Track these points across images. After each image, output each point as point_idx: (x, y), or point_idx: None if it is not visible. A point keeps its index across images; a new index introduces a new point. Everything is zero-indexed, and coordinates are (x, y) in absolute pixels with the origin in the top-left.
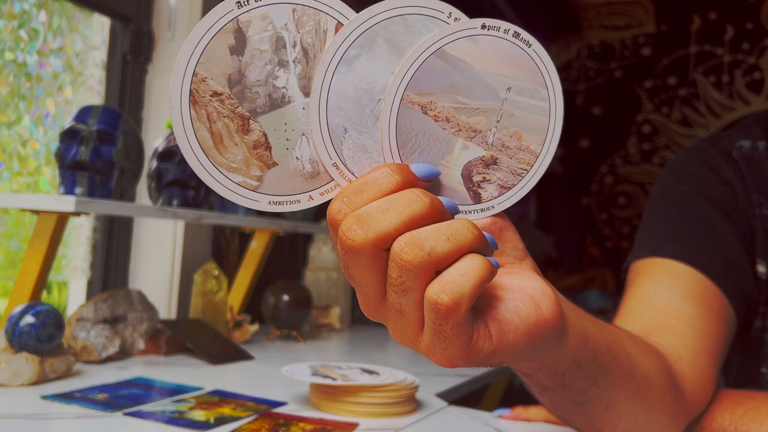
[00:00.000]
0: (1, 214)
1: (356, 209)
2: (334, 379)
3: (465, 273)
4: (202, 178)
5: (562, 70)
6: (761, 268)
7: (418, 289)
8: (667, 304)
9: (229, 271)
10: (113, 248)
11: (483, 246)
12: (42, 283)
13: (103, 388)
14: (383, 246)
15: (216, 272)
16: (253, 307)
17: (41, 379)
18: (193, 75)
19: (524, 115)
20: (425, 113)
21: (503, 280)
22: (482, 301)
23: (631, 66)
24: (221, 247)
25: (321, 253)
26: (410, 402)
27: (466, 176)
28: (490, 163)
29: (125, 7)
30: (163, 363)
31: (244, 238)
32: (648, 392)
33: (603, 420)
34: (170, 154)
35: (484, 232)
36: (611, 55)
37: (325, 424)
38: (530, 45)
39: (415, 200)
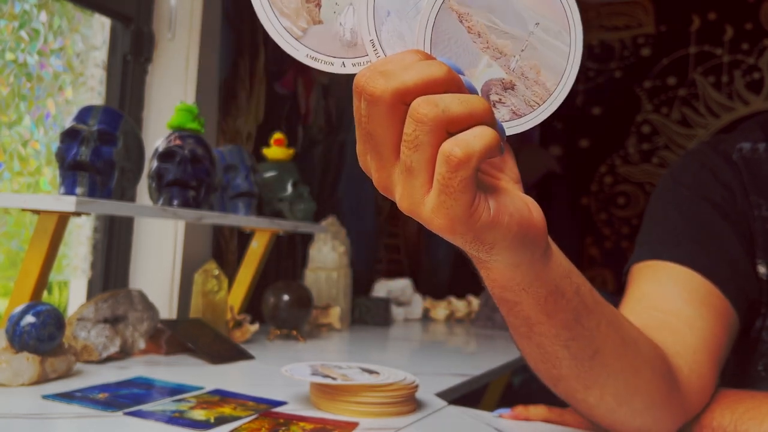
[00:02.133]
0: (1, 214)
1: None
2: (334, 378)
3: (477, 135)
4: (258, 14)
5: None
6: (762, 269)
7: (430, 144)
8: (667, 304)
9: (229, 271)
10: (114, 248)
11: (492, 120)
12: (43, 283)
13: (103, 387)
14: (403, 99)
15: (216, 272)
16: (253, 307)
17: (42, 379)
18: None
19: (546, 52)
20: (461, 22)
21: (500, 183)
22: (485, 182)
23: (631, 66)
24: (221, 247)
25: (321, 253)
26: (410, 402)
27: (485, 93)
28: (509, 87)
29: (125, 7)
30: (164, 363)
31: (244, 238)
32: (635, 355)
33: (590, 372)
34: (171, 155)
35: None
36: (611, 55)
37: (325, 423)
38: None
39: (435, 66)
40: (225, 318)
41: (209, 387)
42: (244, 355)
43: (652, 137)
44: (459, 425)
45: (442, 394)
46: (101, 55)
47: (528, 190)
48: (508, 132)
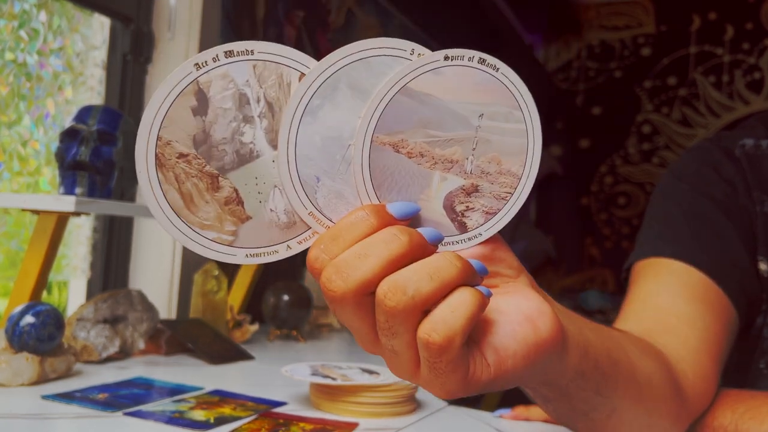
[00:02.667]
0: (1, 214)
1: (334, 256)
2: (334, 379)
3: (455, 309)
4: (175, 238)
5: (562, 70)
6: (763, 266)
7: (407, 331)
8: (668, 304)
9: (229, 271)
10: (113, 248)
11: (470, 277)
12: (42, 283)
13: (103, 388)
14: (366, 292)
15: (216, 272)
16: (253, 307)
17: (41, 379)
18: (157, 139)
19: (501, 139)
20: (398, 152)
21: (498, 302)
22: (478, 328)
23: (631, 66)
24: None
25: None
26: (410, 402)
27: (449, 207)
28: (472, 191)
29: (125, 7)
30: (163, 363)
31: None
32: (650, 396)
33: (606, 427)
34: None
35: (471, 260)
36: (611, 55)
37: (325, 424)
38: (498, 69)
39: (393, 240)
40: (225, 318)
41: (209, 387)
42: (244, 356)
43: (653, 137)
44: (459, 425)
45: None
46: (101, 54)
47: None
48: (488, 234)
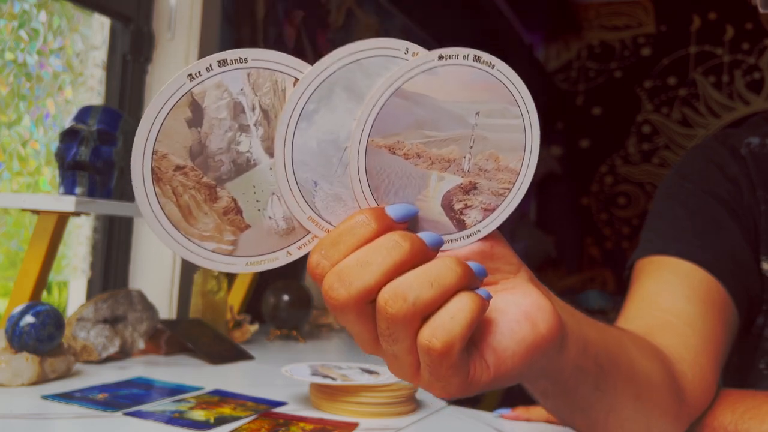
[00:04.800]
0: (1, 214)
1: (335, 262)
2: (334, 379)
3: (455, 315)
4: (174, 251)
5: (562, 70)
6: (765, 266)
7: (408, 337)
8: (669, 303)
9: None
10: (113, 248)
11: (470, 281)
12: (42, 283)
13: (103, 388)
14: (367, 300)
15: (216, 272)
16: (253, 307)
17: (41, 379)
18: (153, 153)
19: (498, 135)
20: (394, 153)
21: (497, 301)
22: (477, 329)
23: (631, 66)
24: None
25: None
26: (410, 402)
27: (447, 206)
28: (470, 189)
29: (125, 7)
30: (163, 363)
31: None
32: (649, 395)
33: (606, 425)
34: None
35: (470, 263)
36: (611, 55)
37: (325, 424)
38: (493, 66)
39: (395, 247)
40: (225, 318)
41: (209, 387)
42: (244, 356)
43: (653, 137)
44: (459, 425)
45: None
46: (101, 54)
47: (528, 191)
48: (487, 231)
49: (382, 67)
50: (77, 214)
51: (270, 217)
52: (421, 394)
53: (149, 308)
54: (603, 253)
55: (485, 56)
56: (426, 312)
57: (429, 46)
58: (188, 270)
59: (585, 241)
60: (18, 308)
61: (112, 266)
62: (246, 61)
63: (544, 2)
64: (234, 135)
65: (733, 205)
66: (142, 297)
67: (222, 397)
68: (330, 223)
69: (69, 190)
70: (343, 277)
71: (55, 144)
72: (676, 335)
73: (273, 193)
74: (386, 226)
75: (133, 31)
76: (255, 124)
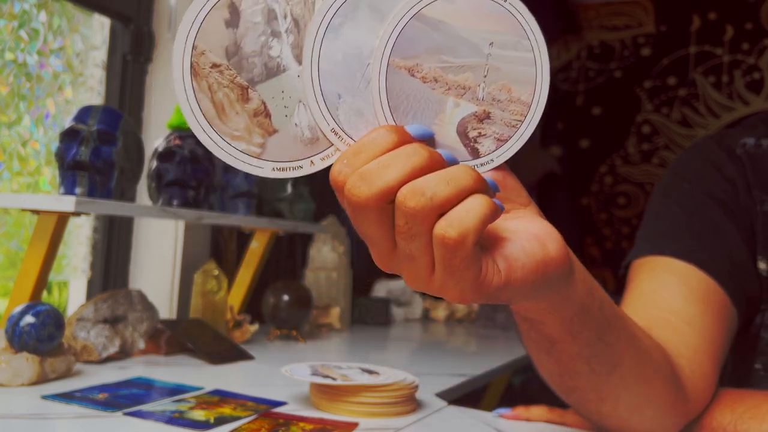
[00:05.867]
0: (1, 214)
1: (357, 169)
2: (334, 378)
3: (469, 209)
4: (208, 147)
5: (562, 70)
6: (762, 266)
7: (425, 233)
8: (667, 302)
9: (229, 271)
10: (113, 248)
11: (484, 188)
12: (42, 283)
13: (103, 387)
14: (388, 199)
15: (216, 272)
16: (253, 307)
17: (41, 379)
18: (192, 48)
19: (510, 67)
20: (413, 75)
21: (509, 224)
22: (490, 241)
23: (631, 66)
24: (221, 247)
25: (321, 253)
26: (410, 402)
27: (462, 133)
28: (484, 117)
29: (125, 7)
30: (163, 363)
31: (244, 238)
32: (650, 366)
33: (608, 385)
34: (170, 154)
35: (484, 176)
36: (611, 55)
37: (325, 423)
38: (506, 0)
39: (414, 153)
40: (225, 318)
41: (209, 387)
42: (244, 356)
43: (653, 137)
44: (459, 425)
45: (442, 394)
46: (101, 54)
47: (528, 191)
48: (501, 159)
49: None
50: (77, 214)
51: (296, 125)
52: (421, 395)
53: (149, 308)
54: (603, 253)
55: None
56: (443, 208)
57: None
58: (188, 270)
59: (585, 241)
60: (18, 308)
61: (112, 266)
62: None
63: (544, 2)
64: (267, 39)
65: (730, 205)
66: (142, 297)
67: (222, 397)
68: (351, 138)
69: (69, 190)
70: (365, 177)
71: (55, 144)
72: (675, 333)
73: (300, 101)
74: (405, 140)
75: (133, 31)
76: (286, 31)
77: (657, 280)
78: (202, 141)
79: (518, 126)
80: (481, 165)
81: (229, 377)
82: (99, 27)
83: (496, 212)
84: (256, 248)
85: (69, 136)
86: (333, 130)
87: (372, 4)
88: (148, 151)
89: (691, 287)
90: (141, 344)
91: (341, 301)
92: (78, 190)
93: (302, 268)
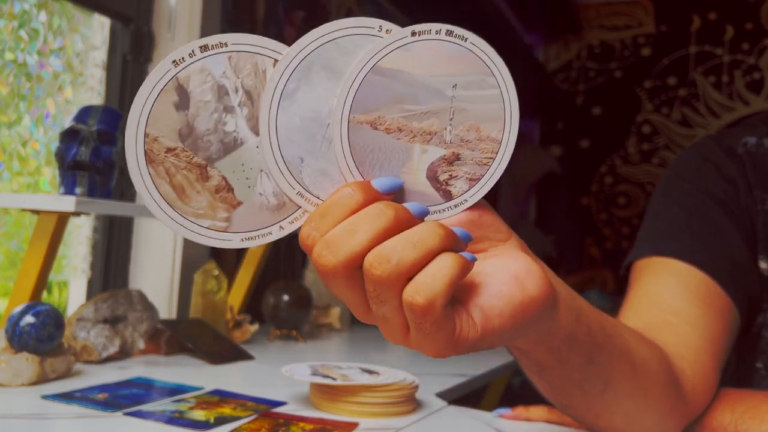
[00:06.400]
0: (1, 214)
1: (324, 233)
2: (334, 378)
3: (436, 273)
4: (172, 229)
5: (562, 70)
6: (763, 265)
7: (394, 297)
8: (669, 304)
9: (229, 271)
10: (113, 248)
11: (453, 244)
12: (42, 283)
13: (103, 387)
14: (355, 266)
15: (216, 272)
16: (253, 307)
17: (41, 379)
18: (144, 136)
19: (477, 106)
20: (375, 128)
21: (485, 265)
22: (464, 291)
23: (631, 66)
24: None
25: None
26: (410, 402)
27: (432, 177)
28: (454, 159)
29: (125, 7)
30: (163, 363)
31: None
32: (645, 378)
33: (601, 403)
34: None
35: (454, 228)
36: (611, 55)
37: (325, 423)
38: (466, 39)
39: (380, 215)
40: (225, 318)
41: (209, 387)
42: (244, 356)
43: (653, 137)
44: (459, 425)
45: (442, 395)
46: (101, 54)
47: (528, 190)
48: (474, 198)
49: (358, 45)
50: (77, 214)
51: (260, 194)
52: (421, 394)
53: (149, 308)
54: (603, 253)
55: (457, 30)
56: (410, 272)
57: None
58: (188, 270)
59: (585, 241)
60: (18, 308)
61: (112, 266)
62: (226, 45)
63: (544, 2)
64: (220, 116)
65: (730, 205)
66: (142, 297)
67: (222, 397)
68: (318, 198)
69: (69, 190)
70: (331, 244)
71: (55, 144)
72: (677, 334)
73: (261, 170)
74: (372, 197)
75: (133, 31)
76: (239, 105)
77: (659, 281)
78: (164, 223)
79: (490, 163)
80: (455, 206)
81: (229, 377)
82: (99, 27)
83: (465, 270)
84: (256, 248)
85: (69, 136)
86: (299, 194)
87: (325, 64)
88: None
89: (692, 288)
90: (141, 344)
91: (341, 301)
92: (78, 190)
93: (302, 268)
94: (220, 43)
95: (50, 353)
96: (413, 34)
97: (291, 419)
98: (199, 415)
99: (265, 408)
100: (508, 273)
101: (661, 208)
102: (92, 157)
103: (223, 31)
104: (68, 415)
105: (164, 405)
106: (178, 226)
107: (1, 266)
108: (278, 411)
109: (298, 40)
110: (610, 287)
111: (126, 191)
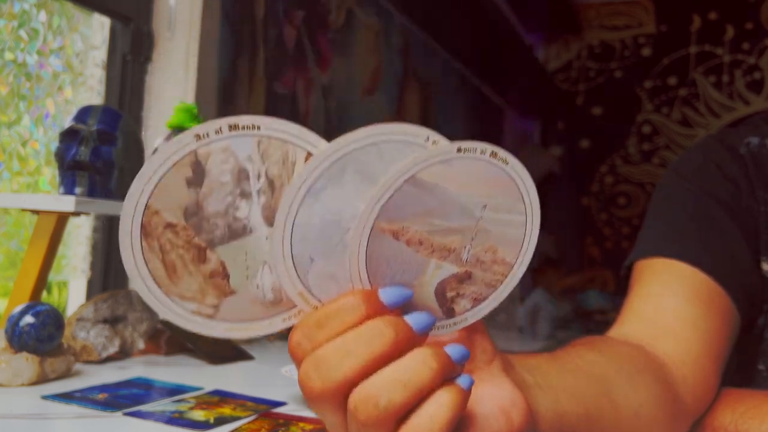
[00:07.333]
0: (1, 214)
1: (316, 345)
2: None
3: (434, 415)
4: (152, 307)
5: (562, 70)
6: (765, 266)
7: None
8: (670, 306)
9: None
10: (113, 248)
11: (449, 373)
12: (42, 283)
13: (103, 388)
14: (343, 394)
15: None
16: None
17: (41, 379)
18: (145, 208)
19: (500, 229)
20: (396, 239)
21: (474, 392)
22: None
23: (631, 66)
24: None
25: None
26: None
27: (440, 293)
28: (465, 278)
29: (125, 6)
30: (163, 363)
31: None
32: (639, 413)
33: None
34: None
35: (452, 346)
36: (611, 55)
37: None
38: (507, 162)
39: (379, 336)
40: None
41: (209, 387)
42: (244, 356)
43: (653, 137)
44: None
45: None
46: (101, 54)
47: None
48: (474, 318)
49: (400, 152)
50: (77, 214)
51: (258, 286)
52: None
53: (149, 308)
54: (603, 253)
55: (501, 152)
56: (399, 416)
57: (430, 47)
58: None
59: (585, 241)
60: (18, 308)
61: (112, 266)
62: (258, 128)
63: (544, 2)
64: (234, 200)
65: (732, 205)
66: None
67: (222, 397)
68: (320, 301)
69: (69, 190)
70: (321, 366)
71: (55, 144)
72: (677, 338)
73: (265, 263)
74: (376, 311)
75: (133, 31)
76: (258, 192)
77: (660, 282)
78: (145, 300)
79: (498, 286)
80: (454, 324)
81: (229, 377)
82: (99, 27)
83: (463, 405)
84: None
85: (69, 136)
86: (300, 293)
87: (361, 169)
88: (148, 151)
89: (694, 290)
90: (141, 344)
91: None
92: (78, 190)
93: None
94: (253, 125)
95: (50, 353)
96: (459, 150)
97: (291, 419)
98: (199, 415)
99: (264, 408)
100: (495, 404)
101: (663, 209)
102: (92, 157)
103: (223, 30)
104: (68, 415)
105: (164, 405)
106: (159, 305)
107: (1, 266)
108: (278, 411)
109: (338, 139)
110: (610, 287)
111: (126, 191)
